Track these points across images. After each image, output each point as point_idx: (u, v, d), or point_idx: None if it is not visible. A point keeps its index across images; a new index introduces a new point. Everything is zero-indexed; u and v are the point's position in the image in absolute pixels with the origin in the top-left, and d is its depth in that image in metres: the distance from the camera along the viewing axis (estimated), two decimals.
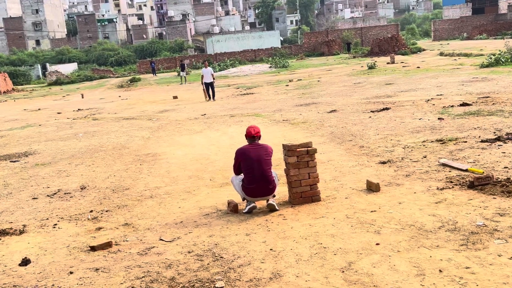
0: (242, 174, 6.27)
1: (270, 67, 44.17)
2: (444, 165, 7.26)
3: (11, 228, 6.20)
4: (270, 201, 6.11)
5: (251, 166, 6.08)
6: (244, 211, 6.11)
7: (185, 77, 35.87)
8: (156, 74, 51.67)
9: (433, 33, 74.65)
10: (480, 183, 6.07)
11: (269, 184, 6.07)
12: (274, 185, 6.15)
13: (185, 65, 37.58)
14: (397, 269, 4.17)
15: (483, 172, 6.60)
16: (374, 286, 3.93)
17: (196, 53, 75.75)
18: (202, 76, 22.42)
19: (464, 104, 12.50)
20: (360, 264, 4.33)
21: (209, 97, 22.05)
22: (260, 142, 6.37)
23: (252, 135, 6.28)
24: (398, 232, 4.98)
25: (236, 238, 5.27)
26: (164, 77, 45.03)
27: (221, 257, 4.80)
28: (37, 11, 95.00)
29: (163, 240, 5.41)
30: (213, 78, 22.58)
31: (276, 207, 6.06)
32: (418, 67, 27.63)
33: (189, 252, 5.00)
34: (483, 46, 40.85)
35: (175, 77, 44.20)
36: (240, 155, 6.23)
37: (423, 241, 4.70)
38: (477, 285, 3.80)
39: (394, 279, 4.01)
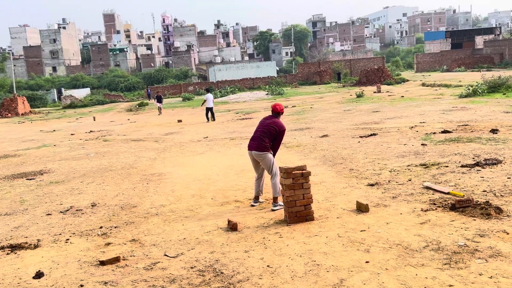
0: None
1: (266, 94, 44.35)
2: (427, 188, 7.25)
3: (26, 243, 6.13)
4: (272, 207, 6.97)
5: (258, 129, 7.16)
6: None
7: (161, 107, 32.93)
8: (151, 99, 51.77)
9: (415, 65, 75.46)
10: (461, 206, 6.05)
11: (254, 141, 7.04)
12: (258, 144, 6.96)
13: (161, 97, 33.86)
14: (386, 286, 4.13)
15: (464, 195, 6.59)
16: None
17: (199, 81, 76.15)
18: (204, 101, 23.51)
19: (445, 131, 12.54)
20: (351, 281, 4.28)
21: (208, 120, 23.07)
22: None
23: (277, 111, 7.20)
24: (386, 251, 4.94)
25: (236, 254, 5.21)
26: (170, 102, 45.14)
27: (221, 272, 4.74)
28: (54, 40, 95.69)
29: (167, 255, 5.35)
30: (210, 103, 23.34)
31: (272, 208, 6.91)
32: (402, 96, 27.80)
33: (191, 267, 4.94)
34: (462, 77, 41.24)
35: (180, 102, 44.37)
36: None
37: (409, 259, 4.66)
38: None
39: None
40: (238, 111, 28.76)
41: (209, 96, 23.45)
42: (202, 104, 23.48)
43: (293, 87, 56.13)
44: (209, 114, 23.22)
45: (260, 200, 7.36)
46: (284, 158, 10.96)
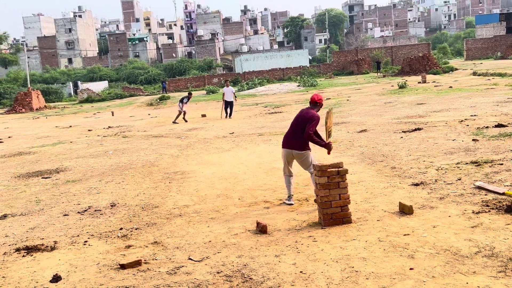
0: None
1: (298, 85, 44.21)
2: (479, 188, 7.11)
3: (42, 244, 6.32)
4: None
5: (292, 123, 7.39)
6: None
7: (183, 111, 23.19)
8: (167, 92, 53.02)
9: (465, 52, 73.72)
10: None
11: (293, 139, 7.19)
12: (298, 143, 7.13)
13: (185, 98, 23.93)
14: None
15: None
16: None
17: (224, 72, 76.56)
18: (223, 94, 23.50)
19: (499, 125, 12.25)
20: None
21: (226, 115, 23.19)
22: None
23: (314, 101, 7.50)
24: (433, 257, 4.88)
25: (265, 259, 5.24)
26: (193, 95, 45.46)
27: (250, 278, 4.77)
28: (70, 30, 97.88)
29: (192, 259, 5.42)
30: (235, 97, 23.72)
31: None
32: (451, 87, 27.27)
33: (218, 272, 5.00)
34: None
35: (204, 96, 44.71)
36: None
37: (459, 266, 4.59)
38: None
39: None
40: (267, 104, 28.79)
41: (227, 89, 23.46)
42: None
43: (327, 77, 55.81)
44: (228, 109, 23.19)
45: (291, 201, 7.40)
46: (317, 155, 10.91)
